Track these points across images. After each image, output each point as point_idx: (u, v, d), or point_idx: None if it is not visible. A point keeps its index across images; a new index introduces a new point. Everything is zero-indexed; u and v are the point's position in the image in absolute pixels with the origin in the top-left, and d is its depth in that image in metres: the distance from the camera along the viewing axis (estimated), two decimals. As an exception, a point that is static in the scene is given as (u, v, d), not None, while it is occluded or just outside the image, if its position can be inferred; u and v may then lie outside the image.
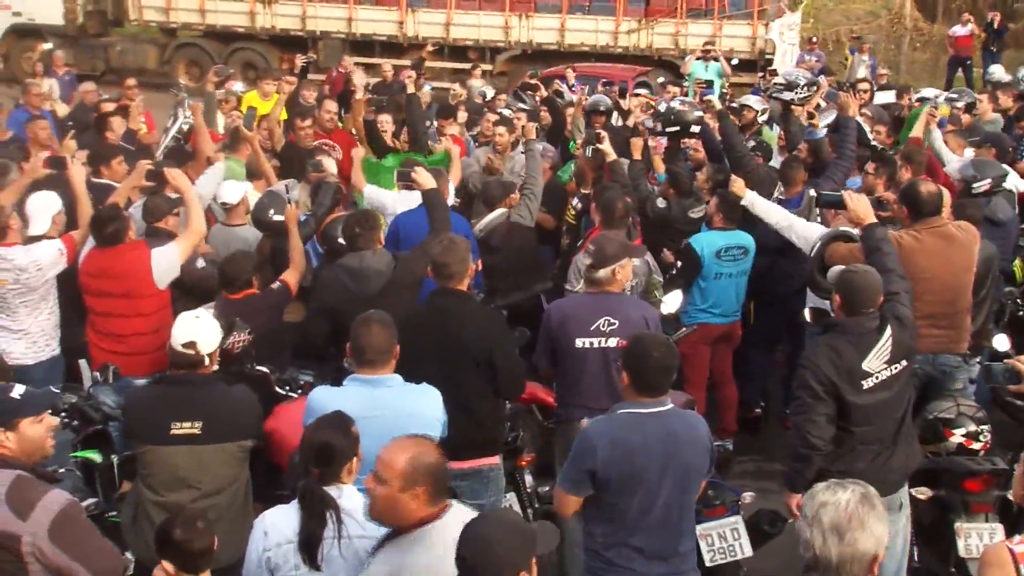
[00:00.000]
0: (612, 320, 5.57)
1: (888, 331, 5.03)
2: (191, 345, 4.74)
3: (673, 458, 4.31)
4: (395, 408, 4.53)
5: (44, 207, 6.73)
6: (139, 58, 23.69)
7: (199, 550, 3.72)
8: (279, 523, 3.85)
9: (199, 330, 4.80)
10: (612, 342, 5.52)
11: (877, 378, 5.01)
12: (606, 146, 8.50)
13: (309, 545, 3.75)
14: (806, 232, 6.79)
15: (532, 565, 3.16)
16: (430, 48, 17.10)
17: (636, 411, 4.35)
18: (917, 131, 9.16)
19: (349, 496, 3.85)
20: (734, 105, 11.34)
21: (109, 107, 10.65)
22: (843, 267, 5.49)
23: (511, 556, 3.09)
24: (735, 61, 19.18)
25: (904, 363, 5.12)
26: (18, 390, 3.98)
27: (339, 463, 3.87)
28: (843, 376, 4.96)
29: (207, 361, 4.80)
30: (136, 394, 5.09)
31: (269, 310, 6.19)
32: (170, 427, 4.66)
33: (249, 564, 3.88)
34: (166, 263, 6.32)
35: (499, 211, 7.91)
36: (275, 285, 6.40)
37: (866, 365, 4.98)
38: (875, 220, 5.73)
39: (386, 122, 10.17)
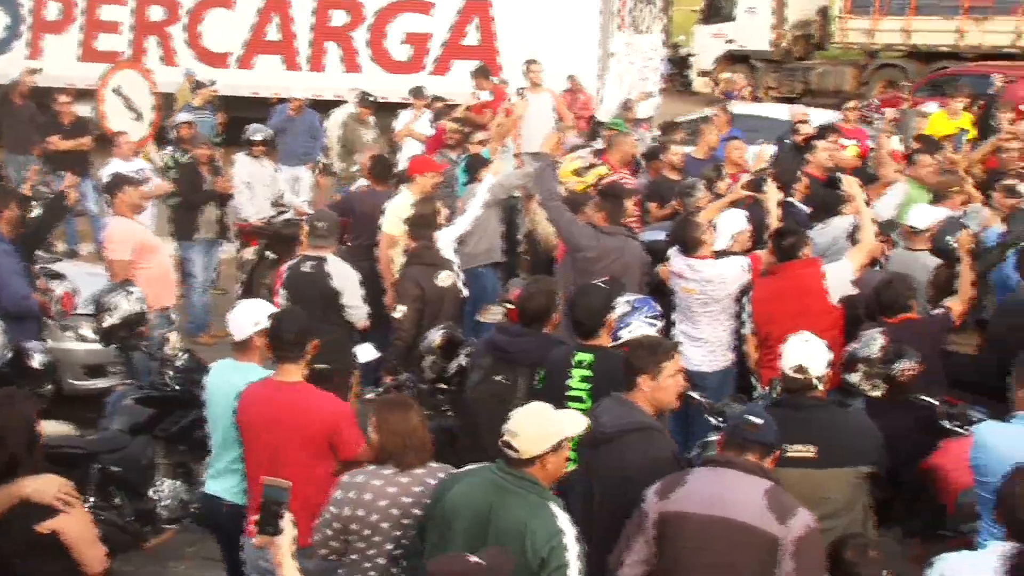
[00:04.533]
0: None
1: None
2: (800, 369, 4.71)
3: None
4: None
5: (729, 224, 7.08)
6: (838, 80, 24.02)
7: None
8: (963, 572, 3.69)
9: (808, 353, 4.75)
10: None
11: None
12: None
13: None
14: None
15: None
16: None
17: None
18: None
19: None
20: None
21: (807, 130, 10.75)
22: None
23: None
24: None
25: None
26: None
27: None
28: None
29: (817, 384, 4.73)
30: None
31: (929, 337, 5.98)
32: (785, 449, 4.62)
33: None
34: (838, 279, 6.37)
35: None
36: (937, 311, 6.24)
37: None
38: None
39: None
